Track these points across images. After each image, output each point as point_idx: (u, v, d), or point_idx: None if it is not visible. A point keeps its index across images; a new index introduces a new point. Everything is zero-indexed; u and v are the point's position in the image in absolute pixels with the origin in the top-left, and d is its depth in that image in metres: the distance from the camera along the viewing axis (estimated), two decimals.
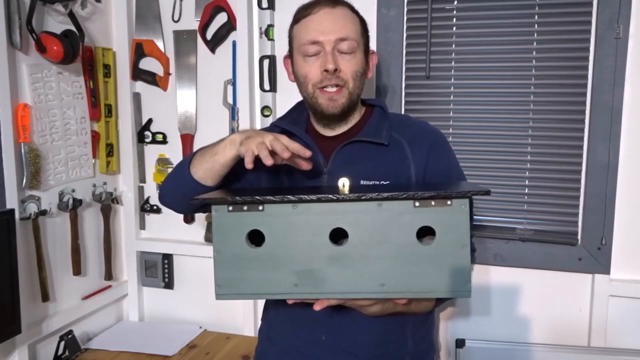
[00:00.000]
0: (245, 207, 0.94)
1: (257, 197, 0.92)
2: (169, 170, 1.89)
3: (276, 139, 1.00)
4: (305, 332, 1.15)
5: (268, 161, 0.98)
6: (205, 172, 1.10)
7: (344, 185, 1.03)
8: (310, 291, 0.94)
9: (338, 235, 0.94)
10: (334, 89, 1.12)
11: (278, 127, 1.24)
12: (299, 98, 1.23)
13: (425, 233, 0.93)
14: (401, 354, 1.16)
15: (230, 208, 0.94)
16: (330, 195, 0.91)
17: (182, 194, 1.14)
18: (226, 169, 1.10)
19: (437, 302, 1.16)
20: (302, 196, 0.91)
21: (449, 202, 0.90)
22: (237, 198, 0.93)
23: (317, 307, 0.97)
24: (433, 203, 0.90)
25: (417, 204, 0.91)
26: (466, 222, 0.91)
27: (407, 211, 0.91)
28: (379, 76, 1.68)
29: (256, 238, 0.95)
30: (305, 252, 0.93)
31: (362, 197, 0.91)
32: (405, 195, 0.90)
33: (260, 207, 0.93)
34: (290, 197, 0.91)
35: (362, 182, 1.12)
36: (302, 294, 0.95)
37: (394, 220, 0.91)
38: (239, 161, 1.07)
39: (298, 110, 1.27)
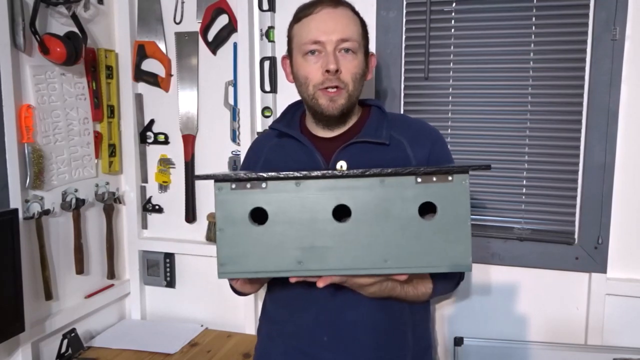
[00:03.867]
0: (248, 185, 0.94)
1: (261, 174, 0.93)
2: (171, 170, 1.94)
3: None
4: (307, 333, 1.16)
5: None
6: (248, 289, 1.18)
7: (342, 167, 1.05)
8: (313, 268, 0.95)
9: (341, 213, 0.95)
10: (334, 90, 1.11)
11: (275, 129, 1.24)
12: (299, 99, 1.25)
13: (426, 211, 0.95)
14: (402, 353, 1.17)
15: (234, 186, 0.94)
16: (334, 172, 0.93)
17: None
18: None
19: (433, 291, 1.16)
20: (305, 172, 0.92)
21: (449, 178, 0.92)
22: (241, 175, 0.94)
23: (320, 284, 0.97)
24: (434, 179, 0.92)
25: (419, 179, 0.92)
26: (466, 197, 0.93)
27: (409, 187, 0.93)
28: (378, 77, 1.70)
29: (259, 216, 0.96)
30: (308, 229, 0.94)
31: (366, 173, 0.92)
32: (407, 171, 0.92)
33: (264, 185, 0.94)
34: (294, 174, 0.92)
35: None
36: (305, 271, 0.95)
37: (396, 196, 0.93)
38: None
39: (291, 112, 1.27)
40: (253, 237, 0.95)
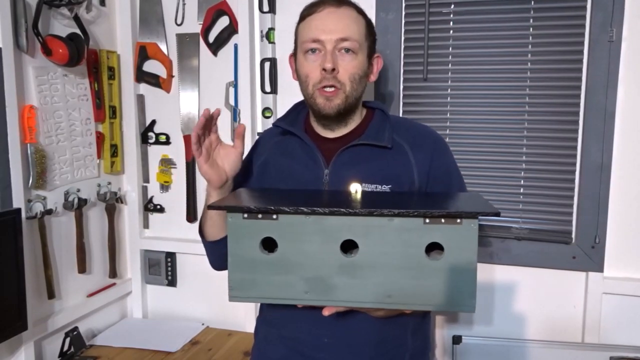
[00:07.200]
0: (259, 215, 0.96)
1: (271, 207, 0.95)
2: (172, 170, 1.95)
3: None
4: (308, 335, 1.16)
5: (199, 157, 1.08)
6: (214, 229, 1.19)
7: (356, 192, 1.05)
8: (319, 298, 0.97)
9: (349, 246, 0.96)
10: (331, 90, 1.11)
11: (278, 127, 1.24)
12: (299, 99, 1.25)
13: (433, 247, 0.95)
14: (401, 352, 1.18)
15: (246, 215, 0.97)
16: (342, 209, 0.93)
17: (214, 258, 1.23)
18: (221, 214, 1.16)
19: None
20: (315, 208, 0.94)
21: (458, 221, 0.92)
22: (253, 207, 0.96)
23: (326, 312, 1.00)
24: (443, 221, 0.92)
25: (427, 220, 0.93)
26: (475, 241, 0.93)
27: (417, 227, 0.93)
28: (378, 78, 1.69)
29: (270, 244, 0.98)
30: (316, 260, 0.96)
31: (374, 213, 0.93)
32: (416, 213, 0.92)
33: (275, 216, 0.96)
34: (304, 209, 0.94)
35: (363, 185, 1.12)
36: (311, 301, 0.97)
37: (403, 235, 0.93)
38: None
39: (296, 110, 1.27)
40: (262, 265, 0.97)
